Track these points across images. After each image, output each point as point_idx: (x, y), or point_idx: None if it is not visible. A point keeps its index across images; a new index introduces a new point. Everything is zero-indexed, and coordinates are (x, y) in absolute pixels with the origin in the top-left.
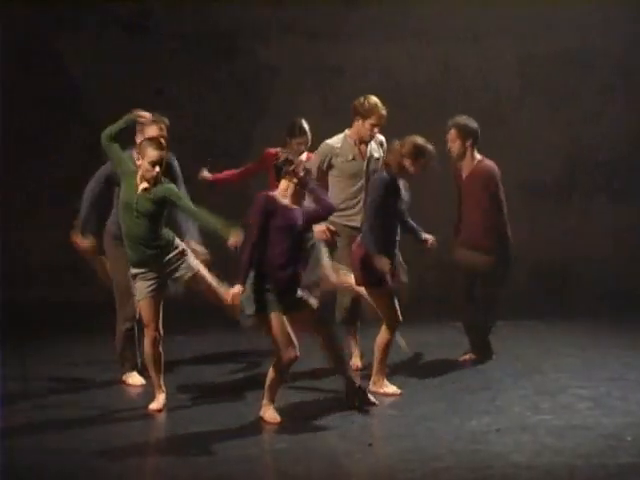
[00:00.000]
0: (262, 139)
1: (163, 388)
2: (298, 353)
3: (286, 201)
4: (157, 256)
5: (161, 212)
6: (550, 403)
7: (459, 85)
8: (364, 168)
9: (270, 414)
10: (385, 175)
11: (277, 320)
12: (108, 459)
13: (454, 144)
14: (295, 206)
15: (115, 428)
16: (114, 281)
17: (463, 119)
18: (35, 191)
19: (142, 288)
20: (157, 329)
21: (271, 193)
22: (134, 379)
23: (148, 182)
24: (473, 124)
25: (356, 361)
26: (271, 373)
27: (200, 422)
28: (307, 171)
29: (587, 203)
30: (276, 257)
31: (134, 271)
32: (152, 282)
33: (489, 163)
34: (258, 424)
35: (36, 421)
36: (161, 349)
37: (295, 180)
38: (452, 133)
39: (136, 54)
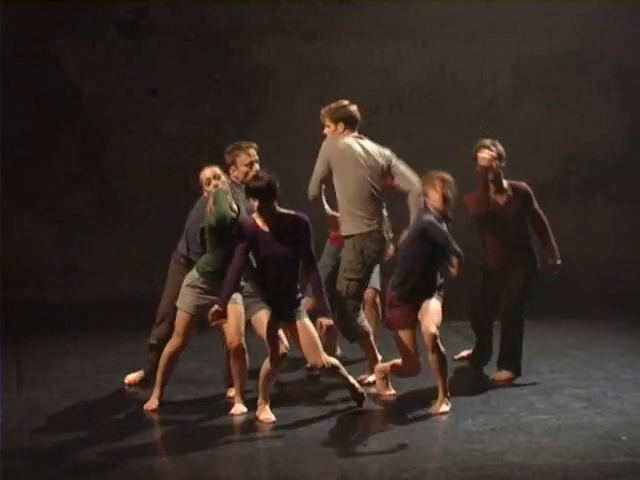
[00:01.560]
0: (258, 139)
1: (163, 391)
2: (286, 350)
3: (266, 225)
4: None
5: None
6: (545, 403)
7: (456, 85)
8: None
9: (265, 414)
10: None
11: (263, 319)
12: (105, 459)
13: (496, 162)
14: (276, 229)
15: (111, 428)
16: (164, 297)
17: (495, 141)
18: (32, 190)
19: (190, 301)
20: (185, 341)
21: (251, 219)
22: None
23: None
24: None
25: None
26: (263, 372)
27: (197, 422)
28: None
29: (584, 203)
30: (261, 279)
31: (196, 282)
32: (203, 301)
33: (517, 182)
34: (254, 424)
35: (34, 420)
36: (179, 358)
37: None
38: (493, 152)
39: (131, 54)
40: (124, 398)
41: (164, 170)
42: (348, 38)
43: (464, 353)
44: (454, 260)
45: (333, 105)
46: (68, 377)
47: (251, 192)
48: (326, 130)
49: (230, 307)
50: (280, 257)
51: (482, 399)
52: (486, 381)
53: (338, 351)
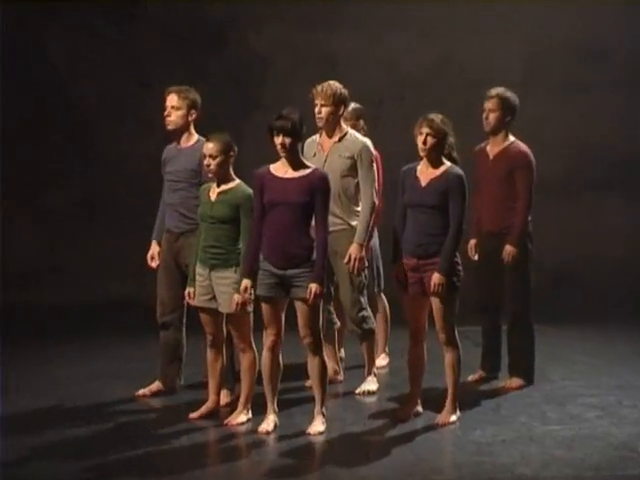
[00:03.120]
0: (254, 133)
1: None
2: (280, 332)
3: (284, 170)
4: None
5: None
6: (558, 412)
7: (461, 78)
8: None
9: (262, 424)
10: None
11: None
12: (95, 474)
13: (493, 114)
14: (293, 175)
15: (102, 439)
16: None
17: (507, 91)
18: (17, 187)
19: (197, 295)
20: (212, 333)
21: (266, 167)
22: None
23: (217, 183)
24: (516, 100)
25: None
26: (263, 367)
27: (190, 432)
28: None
29: (599, 201)
30: (264, 233)
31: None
32: (204, 293)
33: (524, 146)
34: (250, 435)
35: (18, 429)
36: (223, 357)
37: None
38: (493, 102)
39: (122, 43)
40: (115, 407)
41: (157, 165)
42: (349, 27)
43: (477, 375)
44: None
45: (333, 85)
46: (55, 384)
47: (276, 130)
48: (323, 110)
49: (240, 315)
50: (282, 203)
51: (492, 408)
52: (496, 389)
53: (342, 353)
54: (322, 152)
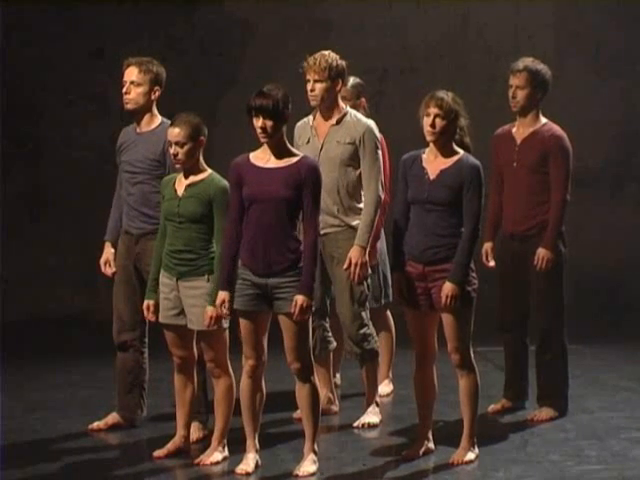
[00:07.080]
0: (231, 113)
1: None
2: (263, 356)
3: (265, 158)
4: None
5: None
6: (597, 449)
7: (481, 44)
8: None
9: (241, 464)
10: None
11: (240, 319)
12: None
13: (521, 92)
14: (277, 165)
15: (50, 479)
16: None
17: (537, 63)
18: None
19: (162, 309)
20: (181, 355)
21: (244, 155)
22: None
23: (185, 174)
24: (548, 73)
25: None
26: (242, 394)
27: (156, 472)
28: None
29: None
30: (243, 235)
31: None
32: (170, 307)
33: (559, 129)
34: (227, 476)
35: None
36: (193, 383)
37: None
38: (521, 77)
39: (71, 4)
40: (64, 444)
41: (113, 152)
42: None
43: (499, 405)
44: None
45: (328, 56)
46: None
47: (255, 110)
48: (317, 87)
49: (214, 333)
50: (264, 199)
51: (517, 444)
52: (522, 421)
53: (337, 379)
54: (317, 138)
